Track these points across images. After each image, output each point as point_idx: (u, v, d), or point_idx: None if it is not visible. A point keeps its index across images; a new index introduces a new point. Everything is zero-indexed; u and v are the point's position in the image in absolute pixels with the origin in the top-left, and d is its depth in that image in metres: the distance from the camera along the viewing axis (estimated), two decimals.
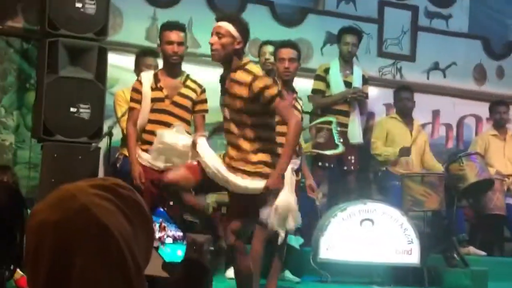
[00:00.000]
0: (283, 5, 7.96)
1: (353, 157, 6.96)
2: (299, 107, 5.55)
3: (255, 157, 4.30)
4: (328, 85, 6.82)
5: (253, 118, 4.30)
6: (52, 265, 1.28)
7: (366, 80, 7.15)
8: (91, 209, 1.31)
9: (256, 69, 4.36)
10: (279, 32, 7.44)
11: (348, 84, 6.88)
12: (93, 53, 6.13)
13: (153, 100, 5.30)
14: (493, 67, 8.87)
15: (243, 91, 4.25)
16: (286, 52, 5.42)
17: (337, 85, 6.83)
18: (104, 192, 1.35)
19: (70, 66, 6.08)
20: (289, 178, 5.25)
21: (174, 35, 5.34)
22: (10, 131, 6.86)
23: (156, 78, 5.34)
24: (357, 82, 6.96)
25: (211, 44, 4.32)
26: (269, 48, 6.35)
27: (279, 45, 5.62)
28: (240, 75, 4.28)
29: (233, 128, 4.36)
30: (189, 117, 5.42)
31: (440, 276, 6.61)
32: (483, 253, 7.52)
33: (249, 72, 4.28)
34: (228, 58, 4.31)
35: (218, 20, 4.39)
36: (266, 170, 4.34)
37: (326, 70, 6.86)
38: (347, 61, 7.03)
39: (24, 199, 2.23)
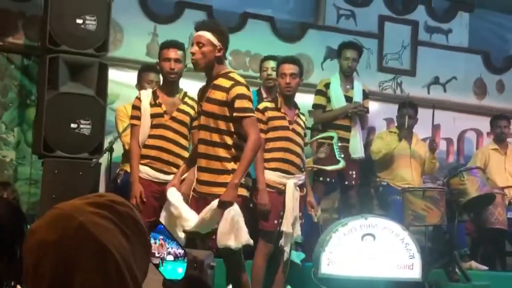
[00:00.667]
0: (283, 20, 7.97)
1: (354, 172, 6.95)
2: (301, 123, 5.57)
3: (229, 165, 4.32)
4: (329, 100, 6.83)
5: (229, 124, 4.33)
6: (53, 284, 1.30)
7: (366, 95, 7.16)
8: (88, 228, 1.32)
9: (239, 78, 4.38)
10: (279, 47, 7.46)
11: (349, 98, 6.88)
12: (94, 69, 6.14)
13: (153, 116, 5.32)
14: (493, 81, 8.88)
15: (222, 96, 4.28)
16: (288, 68, 5.45)
17: (338, 100, 6.83)
18: (100, 209, 1.37)
19: (70, 82, 6.08)
20: (291, 193, 5.26)
21: (171, 53, 5.36)
22: (10, 147, 6.86)
23: (155, 95, 5.36)
24: (357, 96, 6.96)
25: (192, 54, 4.35)
26: (271, 64, 6.37)
27: (281, 60, 5.66)
28: (221, 81, 4.33)
29: (208, 135, 4.38)
30: (188, 133, 5.43)
31: None
32: (485, 267, 7.49)
33: (231, 78, 4.32)
34: (209, 66, 4.35)
35: (197, 29, 4.40)
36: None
37: (327, 85, 6.86)
38: (347, 76, 7.02)
39: (24, 215, 2.22)
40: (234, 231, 4.34)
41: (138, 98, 5.40)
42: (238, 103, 4.25)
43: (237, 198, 4.32)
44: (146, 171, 5.34)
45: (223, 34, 4.40)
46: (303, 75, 5.71)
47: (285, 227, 5.25)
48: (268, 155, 5.33)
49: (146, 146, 5.35)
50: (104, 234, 1.34)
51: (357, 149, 6.93)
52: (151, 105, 5.34)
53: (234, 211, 4.30)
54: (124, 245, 1.36)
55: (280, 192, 5.29)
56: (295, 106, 5.59)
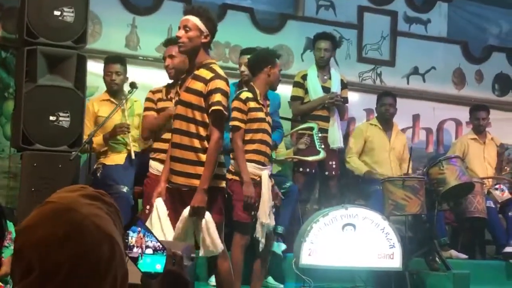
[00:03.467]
0: (262, 11, 7.96)
1: (334, 162, 6.97)
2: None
3: (204, 157, 4.29)
4: (306, 92, 6.82)
5: (204, 115, 4.30)
6: (70, 277, 1.33)
7: (345, 85, 7.17)
8: (94, 220, 1.38)
9: (220, 71, 4.35)
10: (259, 38, 7.46)
11: (326, 89, 6.89)
12: (72, 61, 6.09)
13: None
14: (472, 71, 8.92)
15: (200, 86, 4.27)
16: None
17: (315, 91, 6.84)
18: (94, 201, 1.42)
19: (49, 74, 6.03)
20: (267, 183, 5.26)
21: (170, 50, 5.55)
22: None
23: (167, 90, 5.41)
24: (335, 87, 6.97)
25: (178, 37, 4.32)
26: (245, 60, 6.37)
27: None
28: (202, 72, 4.31)
29: (185, 125, 4.36)
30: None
31: (422, 280, 6.64)
32: (464, 256, 7.55)
33: (212, 70, 4.30)
34: (194, 52, 4.33)
35: (185, 13, 4.37)
36: (218, 170, 4.35)
37: (304, 77, 6.87)
38: (322, 66, 7.02)
39: (4, 212, 2.18)
40: (211, 239, 4.34)
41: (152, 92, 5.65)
42: (213, 97, 4.23)
43: (204, 201, 4.30)
44: (155, 167, 5.37)
45: (211, 21, 4.37)
46: (281, 66, 5.76)
47: (264, 218, 5.22)
48: (247, 147, 5.30)
49: (159, 140, 5.45)
50: (108, 225, 1.40)
51: (336, 139, 6.94)
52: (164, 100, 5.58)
53: (206, 220, 4.31)
54: (118, 233, 1.44)
55: (256, 183, 5.27)
56: (266, 97, 5.57)
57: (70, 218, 1.37)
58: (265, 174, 5.30)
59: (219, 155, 4.40)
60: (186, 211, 4.29)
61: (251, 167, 5.29)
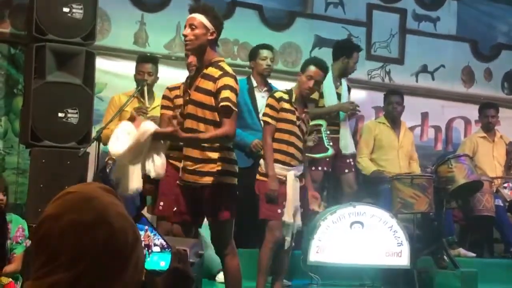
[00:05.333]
0: (271, 9, 7.95)
1: (351, 159, 6.96)
2: (306, 120, 5.56)
3: (213, 155, 4.29)
4: (321, 95, 6.75)
5: (215, 114, 4.29)
6: (98, 259, 1.39)
7: (349, 89, 7.12)
8: (116, 208, 1.46)
9: (228, 68, 4.34)
10: (267, 36, 7.45)
11: (338, 95, 6.84)
12: (81, 57, 6.11)
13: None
14: (481, 69, 8.89)
15: (210, 85, 4.26)
16: (318, 74, 5.52)
17: (330, 97, 6.76)
18: (109, 193, 1.49)
19: (57, 71, 6.06)
20: (292, 183, 5.26)
21: None
22: None
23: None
24: (344, 93, 6.92)
25: (185, 36, 4.31)
26: (269, 54, 6.42)
27: (313, 62, 5.66)
28: (211, 70, 4.30)
29: (195, 125, 4.34)
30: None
31: (430, 278, 6.62)
32: (472, 254, 7.53)
33: (220, 68, 4.28)
34: (201, 49, 4.32)
35: (191, 11, 4.36)
36: (226, 166, 4.34)
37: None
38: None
39: (4, 216, 2.19)
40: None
41: (168, 89, 5.57)
42: (222, 93, 4.22)
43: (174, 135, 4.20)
44: (172, 164, 5.38)
45: (216, 19, 4.36)
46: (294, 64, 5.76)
47: (286, 217, 5.27)
48: (274, 146, 5.35)
49: None
50: (126, 213, 1.48)
51: (347, 145, 6.89)
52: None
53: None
54: None
55: (281, 182, 5.30)
56: (305, 104, 5.60)
57: (95, 205, 1.43)
58: (290, 174, 5.31)
59: (226, 149, 4.39)
60: (149, 130, 4.20)
61: (277, 167, 5.30)
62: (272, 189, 5.21)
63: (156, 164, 4.27)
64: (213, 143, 4.33)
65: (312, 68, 5.51)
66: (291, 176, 5.31)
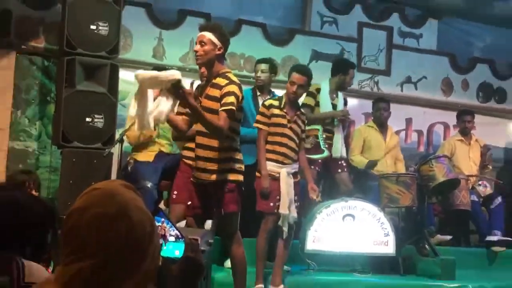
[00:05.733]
0: (273, 26, 7.95)
1: (343, 161, 6.90)
2: (300, 122, 5.56)
3: (224, 154, 4.31)
4: (317, 103, 6.73)
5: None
6: (121, 247, 1.41)
7: (346, 102, 7.06)
8: (136, 203, 1.48)
9: (234, 78, 4.34)
10: (270, 50, 7.47)
11: (334, 106, 6.76)
12: (106, 69, 6.12)
13: None
14: (458, 80, 8.89)
15: (217, 93, 4.27)
16: (298, 78, 5.49)
17: (325, 105, 6.71)
18: (129, 190, 1.52)
19: (85, 81, 6.06)
20: (285, 179, 5.27)
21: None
22: (33, 139, 6.84)
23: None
24: (341, 105, 6.87)
25: (196, 51, 4.32)
26: (262, 67, 6.43)
27: (295, 69, 5.65)
28: (219, 80, 4.31)
29: (203, 127, 4.33)
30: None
31: (413, 264, 6.64)
32: (449, 237, 7.48)
33: (227, 78, 4.30)
34: (210, 63, 4.34)
35: (201, 30, 4.37)
36: (234, 165, 4.34)
37: (318, 90, 6.74)
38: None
39: (56, 210, 2.19)
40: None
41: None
42: (225, 99, 4.24)
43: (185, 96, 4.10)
44: (187, 160, 5.36)
45: (223, 36, 4.37)
46: (310, 84, 5.72)
47: (282, 209, 5.27)
48: (267, 147, 5.36)
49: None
50: (145, 207, 1.51)
51: (338, 149, 6.79)
52: None
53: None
54: None
55: (275, 178, 5.31)
56: (297, 107, 5.60)
57: (118, 200, 1.45)
58: (283, 171, 5.32)
59: (232, 150, 4.38)
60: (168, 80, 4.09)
61: (271, 165, 5.32)
62: (264, 186, 5.23)
63: (160, 109, 4.14)
64: (207, 127, 4.27)
65: (294, 75, 5.52)
66: (284, 173, 5.31)
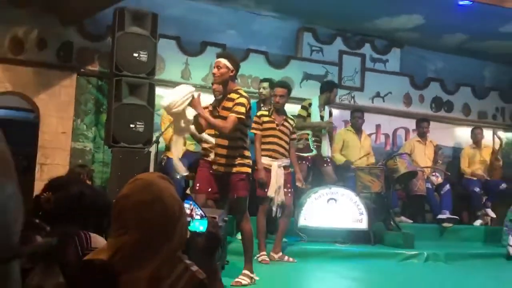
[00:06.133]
0: (274, 54, 7.95)
1: (329, 159, 6.87)
2: (288, 125, 5.55)
3: (235, 152, 4.30)
4: (308, 114, 6.67)
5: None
6: (156, 226, 1.43)
7: (331, 114, 6.95)
8: (169, 192, 1.49)
9: (244, 93, 4.34)
10: (271, 72, 7.45)
11: (321, 117, 6.64)
12: (145, 87, 6.15)
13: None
14: (416, 95, 8.87)
15: (231, 104, 4.26)
16: (278, 91, 5.52)
17: (315, 116, 6.65)
18: (164, 180, 1.52)
19: (129, 96, 6.09)
20: (276, 171, 5.28)
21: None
22: (89, 140, 6.86)
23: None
24: (326, 115, 6.76)
25: (213, 74, 4.34)
26: (263, 85, 6.39)
27: (275, 84, 5.73)
28: (232, 95, 4.30)
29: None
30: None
31: (382, 236, 6.63)
32: (410, 221, 7.53)
33: (238, 93, 4.29)
34: (225, 82, 4.32)
35: (217, 57, 4.37)
36: (244, 160, 4.33)
37: (309, 104, 6.69)
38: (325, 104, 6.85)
39: (108, 197, 2.18)
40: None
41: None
42: (236, 108, 4.23)
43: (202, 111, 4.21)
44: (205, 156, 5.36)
45: (235, 61, 4.37)
46: (290, 94, 5.71)
47: (270, 192, 5.30)
48: (262, 146, 5.41)
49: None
50: (176, 194, 1.51)
51: (325, 150, 6.72)
52: None
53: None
54: None
55: (268, 170, 5.34)
56: (284, 114, 5.59)
57: (155, 189, 1.46)
58: (274, 164, 5.34)
59: (242, 149, 4.39)
60: (185, 92, 4.21)
61: (264, 159, 5.33)
62: (260, 177, 5.26)
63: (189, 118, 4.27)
64: (213, 127, 4.29)
65: (276, 89, 5.60)
66: (274, 166, 5.35)
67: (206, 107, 5.28)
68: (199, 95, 4.21)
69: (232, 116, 4.19)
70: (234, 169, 4.31)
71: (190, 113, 4.29)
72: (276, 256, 5.51)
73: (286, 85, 5.65)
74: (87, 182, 5.29)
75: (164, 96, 4.34)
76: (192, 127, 4.43)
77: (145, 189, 1.46)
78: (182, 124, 4.35)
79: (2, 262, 0.51)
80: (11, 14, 6.37)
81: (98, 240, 1.83)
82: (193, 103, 4.17)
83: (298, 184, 5.76)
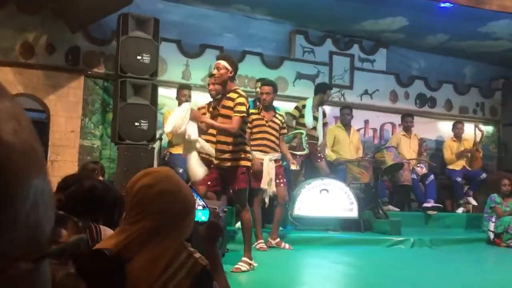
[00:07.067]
0: (268, 55, 7.94)
1: (322, 155, 6.86)
2: (277, 120, 5.53)
3: (236, 148, 4.30)
4: (301, 114, 6.62)
5: None
6: (176, 214, 1.47)
7: (325, 114, 6.86)
8: (182, 182, 1.53)
9: (242, 93, 4.34)
10: (266, 72, 7.44)
11: (315, 117, 6.63)
12: (148, 87, 6.14)
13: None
14: (402, 92, 8.87)
15: (231, 104, 4.26)
16: (264, 89, 5.51)
17: (308, 117, 6.62)
18: (175, 173, 1.56)
19: (134, 96, 6.08)
20: (267, 164, 5.28)
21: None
22: (97, 138, 6.85)
23: (208, 107, 5.39)
24: (320, 116, 6.69)
25: (213, 75, 4.35)
26: (259, 85, 6.35)
27: (261, 83, 5.69)
28: (231, 94, 4.30)
29: None
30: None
31: (371, 224, 6.65)
32: (397, 209, 7.55)
33: (237, 92, 4.30)
34: (225, 82, 4.32)
35: (217, 59, 4.37)
36: (245, 155, 4.34)
37: (303, 106, 6.65)
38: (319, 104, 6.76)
39: (119, 193, 2.17)
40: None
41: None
42: (237, 107, 4.23)
43: (204, 125, 4.28)
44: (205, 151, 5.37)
45: (233, 63, 4.36)
46: (277, 91, 5.68)
47: (262, 185, 5.29)
48: (253, 142, 5.37)
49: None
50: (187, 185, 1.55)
51: (320, 139, 6.74)
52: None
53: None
54: None
55: (260, 164, 5.32)
56: (273, 110, 5.57)
57: (175, 180, 1.50)
58: (266, 158, 5.33)
59: (242, 144, 4.38)
60: (185, 108, 4.28)
61: (256, 154, 5.31)
62: (255, 169, 5.22)
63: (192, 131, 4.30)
64: (221, 131, 4.29)
65: (263, 87, 5.55)
66: (266, 159, 5.33)
67: (203, 107, 5.30)
68: (197, 109, 4.26)
69: (236, 117, 4.20)
70: (236, 163, 4.32)
71: (192, 130, 4.29)
72: (273, 242, 5.52)
73: (271, 83, 5.63)
74: (100, 177, 5.28)
75: (166, 124, 4.36)
76: (199, 144, 4.44)
77: (167, 180, 1.48)
78: (191, 141, 4.36)
79: (33, 261, 0.49)
80: (22, 21, 6.35)
81: (108, 233, 1.84)
82: (194, 116, 4.19)
83: (293, 167, 5.71)
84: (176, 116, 4.26)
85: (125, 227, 1.46)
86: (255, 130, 5.43)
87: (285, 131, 5.70)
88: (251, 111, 5.47)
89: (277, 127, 5.53)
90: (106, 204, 2.01)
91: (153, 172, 1.51)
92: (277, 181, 5.44)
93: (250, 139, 5.32)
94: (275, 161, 5.46)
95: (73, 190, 1.96)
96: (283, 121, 5.64)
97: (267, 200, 5.36)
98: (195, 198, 1.55)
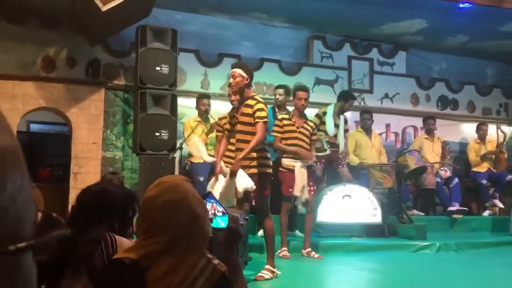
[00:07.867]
0: (286, 62, 7.94)
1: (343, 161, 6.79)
2: (308, 127, 5.46)
3: (257, 154, 4.29)
4: (321, 122, 6.55)
5: (253, 127, 4.27)
6: (183, 224, 1.44)
7: (346, 121, 6.78)
8: (192, 192, 1.50)
9: (260, 99, 4.33)
10: (284, 79, 7.43)
11: (336, 125, 6.53)
12: (168, 98, 6.18)
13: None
14: (423, 95, 8.78)
15: (250, 111, 4.25)
16: (303, 94, 5.44)
17: (329, 125, 6.53)
18: (188, 182, 1.54)
19: (154, 106, 6.12)
20: (298, 170, 5.21)
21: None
22: (119, 149, 6.90)
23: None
24: (342, 123, 6.60)
25: (230, 83, 4.34)
26: (279, 91, 6.35)
27: (298, 88, 5.56)
28: (249, 101, 4.29)
29: (242, 136, 4.33)
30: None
31: (395, 229, 6.57)
32: (422, 213, 7.45)
33: (255, 99, 4.29)
34: (241, 90, 4.32)
35: (232, 67, 4.37)
36: (262, 161, 4.32)
37: (324, 113, 6.60)
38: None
39: (135, 196, 2.18)
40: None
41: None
42: (257, 113, 4.23)
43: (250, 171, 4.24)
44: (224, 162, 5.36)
45: (248, 70, 4.37)
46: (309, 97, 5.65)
47: (296, 192, 5.23)
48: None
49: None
50: (198, 195, 1.52)
51: (341, 146, 6.66)
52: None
53: (235, 181, 4.27)
54: None
55: (291, 171, 5.26)
56: (304, 117, 5.52)
57: (181, 190, 1.47)
58: (296, 165, 5.26)
59: (263, 151, 4.36)
60: (224, 176, 4.26)
61: (287, 161, 5.28)
62: (286, 176, 5.14)
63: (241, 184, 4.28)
64: (256, 147, 4.28)
65: (298, 92, 5.45)
66: (297, 166, 5.27)
67: (224, 117, 5.28)
68: (219, 119, 4.27)
69: (259, 123, 4.20)
70: (258, 170, 4.30)
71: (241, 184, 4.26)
72: (304, 252, 5.46)
73: (307, 88, 5.59)
74: None
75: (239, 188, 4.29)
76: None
77: (172, 190, 1.46)
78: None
79: (11, 252, 0.50)
80: (43, 35, 6.47)
81: (123, 243, 1.83)
82: (231, 173, 4.19)
83: (310, 162, 5.58)
84: (241, 183, 4.22)
85: (140, 242, 1.45)
86: (286, 135, 5.37)
87: (316, 137, 5.62)
88: (282, 116, 5.48)
89: (308, 133, 5.46)
90: (119, 203, 2.01)
91: (162, 183, 1.50)
92: (308, 188, 5.41)
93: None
94: (307, 167, 5.41)
95: (80, 197, 1.97)
96: (314, 127, 5.58)
97: (300, 207, 5.30)
98: (206, 206, 1.52)
